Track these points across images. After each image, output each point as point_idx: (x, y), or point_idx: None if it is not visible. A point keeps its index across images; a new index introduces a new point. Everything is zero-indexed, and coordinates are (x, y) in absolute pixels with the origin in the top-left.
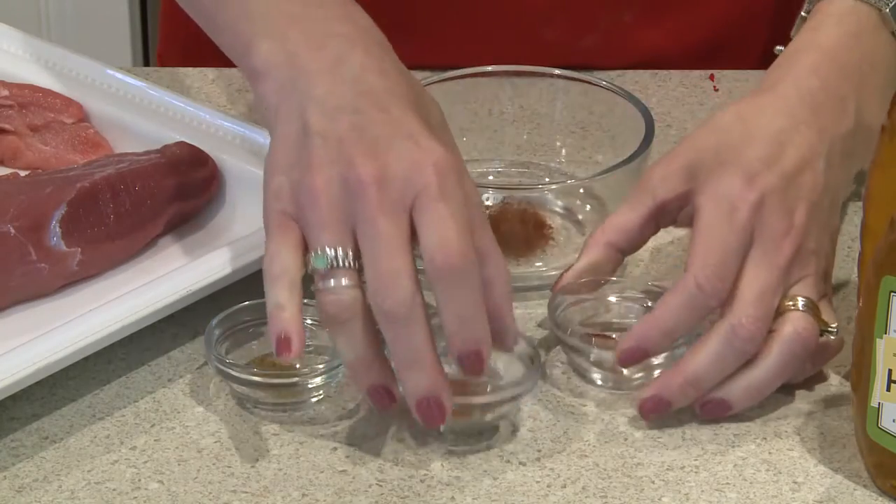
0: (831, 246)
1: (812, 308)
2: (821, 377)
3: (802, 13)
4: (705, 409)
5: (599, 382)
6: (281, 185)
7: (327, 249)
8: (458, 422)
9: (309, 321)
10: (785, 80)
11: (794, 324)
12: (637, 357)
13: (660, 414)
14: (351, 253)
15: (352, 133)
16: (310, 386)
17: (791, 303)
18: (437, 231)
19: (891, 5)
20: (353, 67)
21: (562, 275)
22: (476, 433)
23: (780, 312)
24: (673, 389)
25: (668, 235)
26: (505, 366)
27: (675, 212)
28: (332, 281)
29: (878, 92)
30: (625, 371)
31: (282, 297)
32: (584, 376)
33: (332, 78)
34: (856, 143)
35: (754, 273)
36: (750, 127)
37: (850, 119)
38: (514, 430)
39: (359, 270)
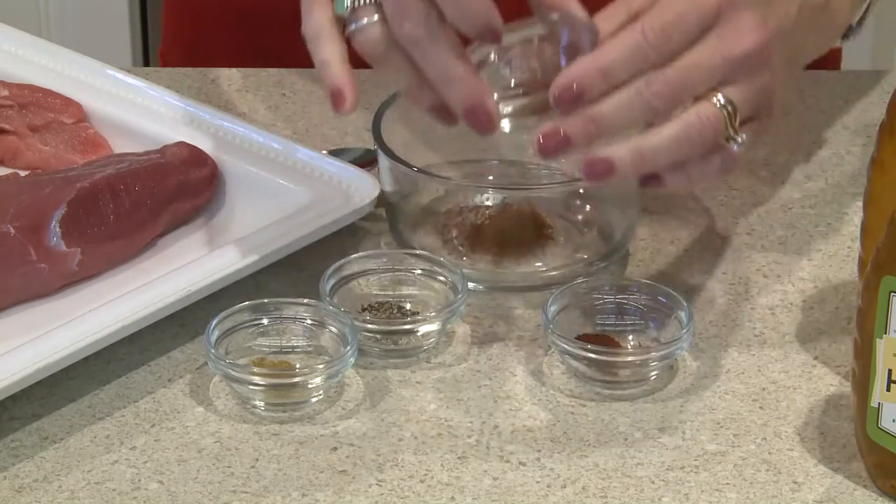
0: (782, 86)
1: (730, 111)
2: (821, 377)
3: None
4: (589, 167)
5: (595, 385)
6: None
7: None
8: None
9: (309, 321)
10: None
11: (701, 110)
12: (571, 96)
13: (557, 150)
14: None
15: None
16: (310, 386)
17: (713, 97)
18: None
19: None
20: None
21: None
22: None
23: (699, 99)
24: (575, 124)
25: (668, 235)
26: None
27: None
28: (357, 22)
29: None
30: (619, 373)
31: (325, 53)
32: (581, 378)
33: None
34: (823, 19)
35: (698, 48)
36: None
37: None
38: (515, 429)
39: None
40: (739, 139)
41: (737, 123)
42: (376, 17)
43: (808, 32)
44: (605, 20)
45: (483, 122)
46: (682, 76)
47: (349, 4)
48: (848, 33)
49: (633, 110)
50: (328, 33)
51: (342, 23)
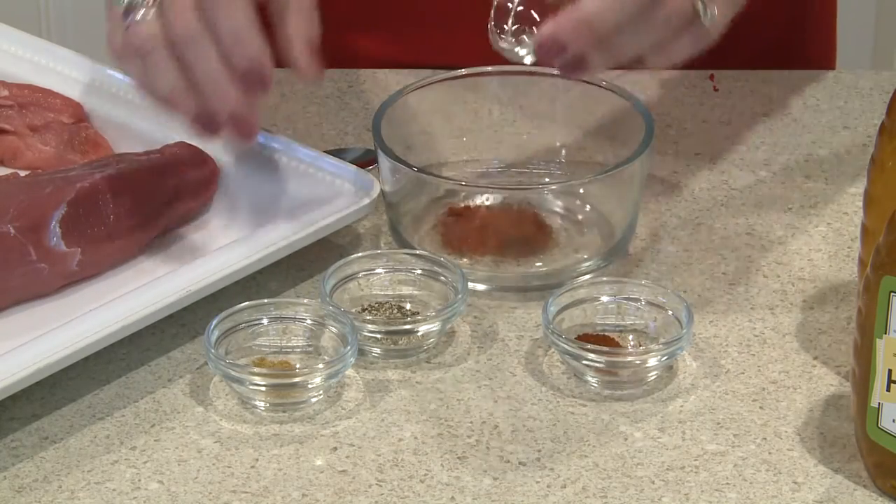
0: None
1: None
2: (821, 377)
3: None
4: (541, 49)
5: (595, 385)
6: None
7: None
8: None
9: (309, 321)
10: None
11: None
12: (555, 48)
13: (555, 56)
14: None
15: None
16: (310, 386)
17: None
18: None
19: None
20: None
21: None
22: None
23: None
24: (570, 29)
25: (667, 235)
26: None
27: None
28: (132, 16)
29: None
30: (619, 373)
31: (136, 67)
32: (581, 378)
33: None
34: None
35: None
36: None
37: None
38: (515, 429)
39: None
40: (711, 13)
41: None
42: (152, 12)
43: None
44: None
45: (244, 131)
46: None
47: (129, 1)
48: None
49: (625, 4)
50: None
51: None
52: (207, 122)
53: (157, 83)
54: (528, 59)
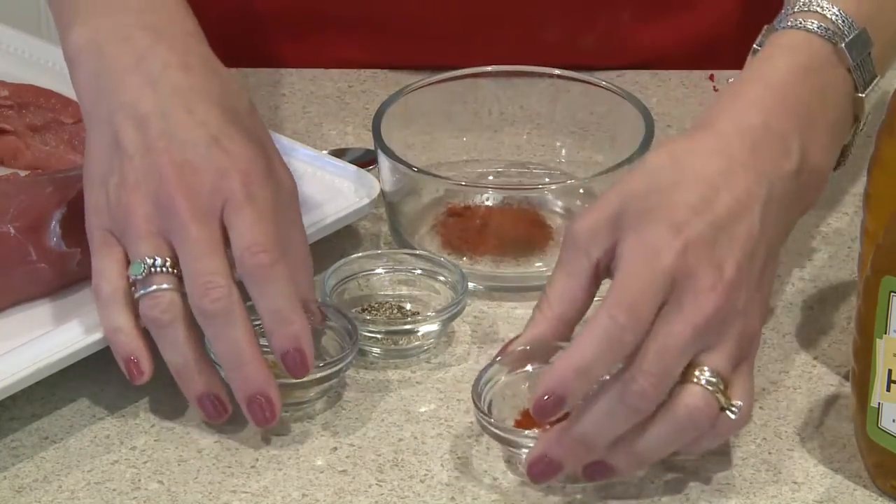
0: (762, 303)
1: (717, 384)
2: (821, 377)
3: (755, 45)
4: (588, 471)
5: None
6: (98, 200)
7: (145, 258)
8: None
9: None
10: (724, 116)
11: (689, 400)
12: (555, 406)
13: (547, 475)
14: (169, 260)
15: (160, 142)
16: (310, 386)
17: (697, 373)
18: (245, 234)
19: (847, 40)
20: (156, 65)
21: (506, 345)
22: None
23: (682, 379)
24: (562, 449)
25: None
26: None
27: (609, 270)
28: (150, 286)
29: (828, 131)
30: None
31: (118, 320)
32: None
33: (137, 78)
34: (799, 186)
35: (664, 327)
36: (682, 169)
37: (793, 159)
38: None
39: (179, 278)
40: (735, 407)
41: (728, 394)
42: (171, 284)
43: (787, 208)
44: (569, 276)
45: (264, 413)
46: (659, 365)
47: (146, 268)
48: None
49: (617, 421)
50: (122, 298)
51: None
52: (218, 403)
53: (170, 356)
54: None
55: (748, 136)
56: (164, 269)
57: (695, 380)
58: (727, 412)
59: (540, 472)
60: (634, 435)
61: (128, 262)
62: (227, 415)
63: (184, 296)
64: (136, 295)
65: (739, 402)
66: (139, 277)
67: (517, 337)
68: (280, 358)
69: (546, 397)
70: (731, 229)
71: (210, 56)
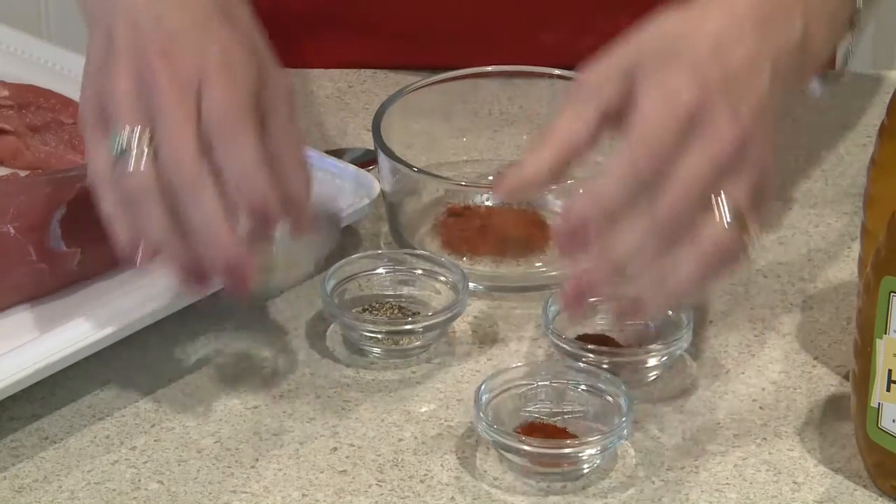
0: (769, 160)
1: (740, 218)
2: (821, 377)
3: None
4: (626, 312)
5: None
6: (90, 91)
7: (123, 131)
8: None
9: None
10: None
11: (713, 232)
12: (578, 237)
13: (584, 299)
14: (146, 137)
15: (150, 35)
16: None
17: (719, 205)
18: (212, 96)
19: None
20: None
21: (506, 176)
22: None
23: (706, 213)
24: (595, 272)
25: None
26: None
27: (618, 117)
28: (128, 160)
29: (826, 21)
30: (619, 373)
31: (111, 204)
32: None
33: None
34: (799, 63)
35: (689, 160)
36: (695, 26)
37: (796, 35)
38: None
39: (154, 155)
40: (754, 239)
41: (749, 228)
42: (146, 158)
43: (787, 81)
44: (575, 115)
45: (236, 278)
46: (682, 198)
47: (124, 144)
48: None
49: (647, 245)
50: (108, 178)
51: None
52: (198, 273)
53: (149, 233)
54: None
55: (757, 7)
56: (139, 143)
57: (718, 213)
58: (747, 244)
59: (574, 295)
60: (663, 267)
61: None
62: (205, 286)
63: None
64: (116, 172)
65: (757, 235)
66: (117, 153)
67: (516, 167)
68: (249, 218)
69: (570, 227)
70: (746, 80)
71: None
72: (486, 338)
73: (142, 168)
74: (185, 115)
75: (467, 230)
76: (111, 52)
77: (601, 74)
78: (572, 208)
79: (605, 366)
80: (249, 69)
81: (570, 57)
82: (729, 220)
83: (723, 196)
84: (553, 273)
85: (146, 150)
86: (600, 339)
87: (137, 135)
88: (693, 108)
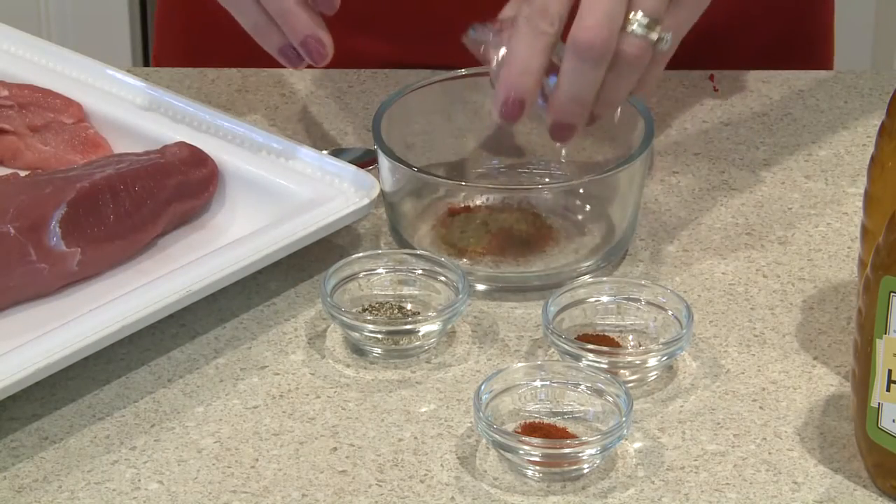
0: None
1: (650, 24)
2: (821, 377)
3: None
4: (555, 130)
5: None
6: None
7: None
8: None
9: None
10: None
11: (626, 47)
12: (517, 106)
13: (515, 113)
14: None
15: None
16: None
17: (631, 17)
18: (592, 13)
19: None
20: None
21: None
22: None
23: (622, 27)
24: (566, 110)
25: (668, 235)
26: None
27: None
28: None
29: None
30: (619, 373)
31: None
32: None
33: None
34: None
35: None
36: None
37: None
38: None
39: None
40: (665, 39)
41: (662, 27)
42: None
43: None
44: None
45: (317, 50)
46: (595, 17)
47: None
48: None
49: (585, 75)
50: None
51: None
52: (289, 53)
53: (244, 21)
54: None
55: None
56: None
57: (630, 26)
58: (659, 45)
59: (561, 134)
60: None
61: None
62: (301, 60)
63: None
64: None
65: (669, 34)
66: None
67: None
68: (300, 47)
69: (505, 100)
70: None
71: None
72: (486, 338)
73: None
74: None
75: (467, 230)
76: None
77: None
78: (499, 88)
79: (604, 366)
80: None
81: None
82: (639, 29)
83: (635, 7)
84: (553, 273)
85: None
86: (600, 339)
87: None
88: None
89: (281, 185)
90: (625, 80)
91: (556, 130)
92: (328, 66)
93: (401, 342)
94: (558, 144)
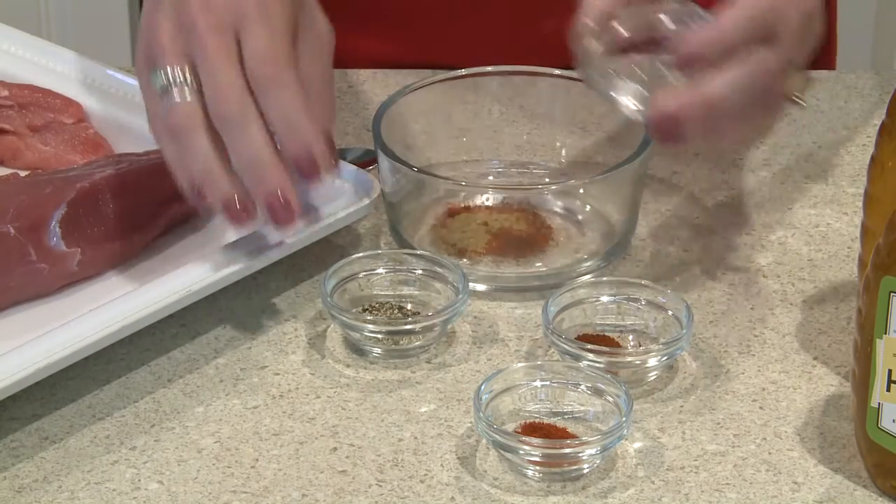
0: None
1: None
2: (821, 377)
3: None
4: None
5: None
6: (141, 48)
7: (166, 69)
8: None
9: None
10: None
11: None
12: (698, 60)
13: (670, 135)
14: (188, 73)
15: None
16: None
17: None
18: (254, 45)
19: None
20: None
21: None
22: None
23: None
24: (689, 109)
25: (668, 235)
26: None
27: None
28: (171, 97)
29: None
30: (619, 373)
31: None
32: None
33: None
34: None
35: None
36: None
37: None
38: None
39: (199, 92)
40: (801, 100)
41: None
42: (191, 96)
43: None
44: None
45: (283, 213)
46: (777, 60)
47: (168, 80)
48: None
49: (744, 91)
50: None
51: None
52: (245, 207)
53: (193, 165)
54: (620, 101)
55: None
56: (184, 80)
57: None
58: (797, 103)
59: (662, 129)
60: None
61: None
62: (253, 218)
63: (203, 107)
64: (161, 111)
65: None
66: (162, 91)
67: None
68: (294, 164)
69: (689, 53)
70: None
71: None
72: (486, 338)
73: (187, 99)
74: (225, 53)
75: (467, 230)
76: (158, 8)
77: None
78: (690, 38)
79: (604, 366)
80: (286, 12)
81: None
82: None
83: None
84: (553, 273)
85: (189, 83)
86: (600, 339)
87: (178, 69)
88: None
89: None
90: (754, 115)
91: (662, 123)
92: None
93: (401, 342)
94: (658, 140)
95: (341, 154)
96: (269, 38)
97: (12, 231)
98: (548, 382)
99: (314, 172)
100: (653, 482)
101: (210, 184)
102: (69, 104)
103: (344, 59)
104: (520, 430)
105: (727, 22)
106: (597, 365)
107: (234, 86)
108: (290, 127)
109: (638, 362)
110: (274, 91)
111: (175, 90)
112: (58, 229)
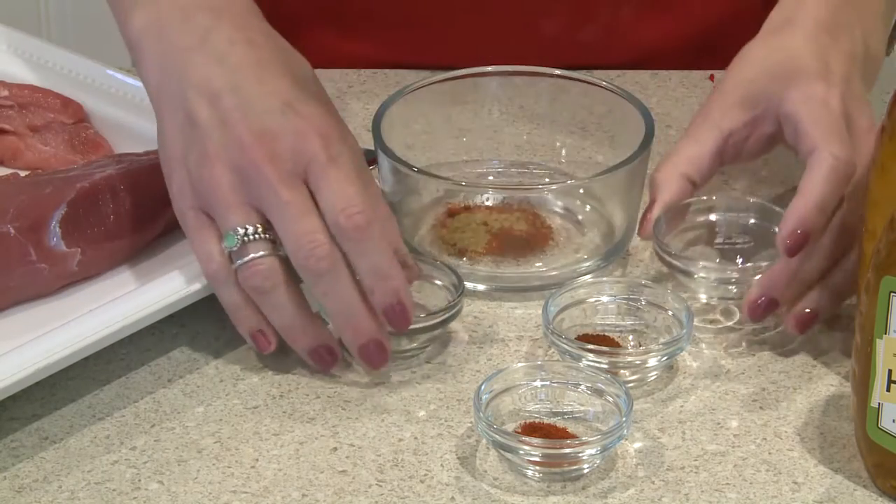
0: None
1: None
2: (821, 377)
3: None
4: (799, 319)
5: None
6: (182, 181)
7: (237, 228)
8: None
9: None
10: (798, 14)
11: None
12: (804, 239)
13: (768, 314)
14: (260, 227)
15: (235, 113)
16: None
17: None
18: (335, 196)
19: None
20: (221, 42)
21: (644, 216)
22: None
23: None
24: (781, 286)
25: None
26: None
27: (740, 143)
28: (246, 256)
29: (879, 19)
30: (619, 373)
31: (234, 297)
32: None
33: (204, 56)
34: (865, 68)
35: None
36: (787, 53)
37: (859, 45)
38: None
39: (273, 242)
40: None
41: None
42: (267, 250)
43: (862, 84)
44: (698, 142)
45: (377, 358)
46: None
47: (238, 239)
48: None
49: (827, 254)
50: (230, 275)
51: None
52: (331, 352)
53: (278, 320)
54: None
55: (824, 27)
56: (257, 236)
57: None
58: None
59: (760, 309)
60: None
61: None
62: (336, 361)
63: (280, 259)
64: (234, 266)
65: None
66: (234, 249)
67: (652, 204)
68: (382, 313)
69: (794, 232)
70: (851, 88)
71: (270, 30)
72: (486, 338)
73: (267, 255)
74: (304, 205)
75: (467, 230)
76: (195, 134)
77: (720, 108)
78: (790, 217)
79: (604, 366)
80: (346, 148)
81: (571, 49)
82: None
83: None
84: (553, 273)
85: (263, 237)
86: (600, 339)
87: (256, 228)
88: (842, 110)
89: None
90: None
91: (755, 303)
92: (328, 66)
93: (400, 343)
94: (788, 327)
95: None
96: (348, 186)
97: (12, 231)
98: (548, 382)
99: (404, 322)
100: (653, 482)
101: (294, 335)
102: (69, 104)
103: (344, 59)
104: (520, 430)
105: (810, 189)
106: (597, 365)
107: (322, 238)
108: (382, 278)
109: (638, 362)
110: (365, 243)
111: (254, 249)
112: (58, 229)
